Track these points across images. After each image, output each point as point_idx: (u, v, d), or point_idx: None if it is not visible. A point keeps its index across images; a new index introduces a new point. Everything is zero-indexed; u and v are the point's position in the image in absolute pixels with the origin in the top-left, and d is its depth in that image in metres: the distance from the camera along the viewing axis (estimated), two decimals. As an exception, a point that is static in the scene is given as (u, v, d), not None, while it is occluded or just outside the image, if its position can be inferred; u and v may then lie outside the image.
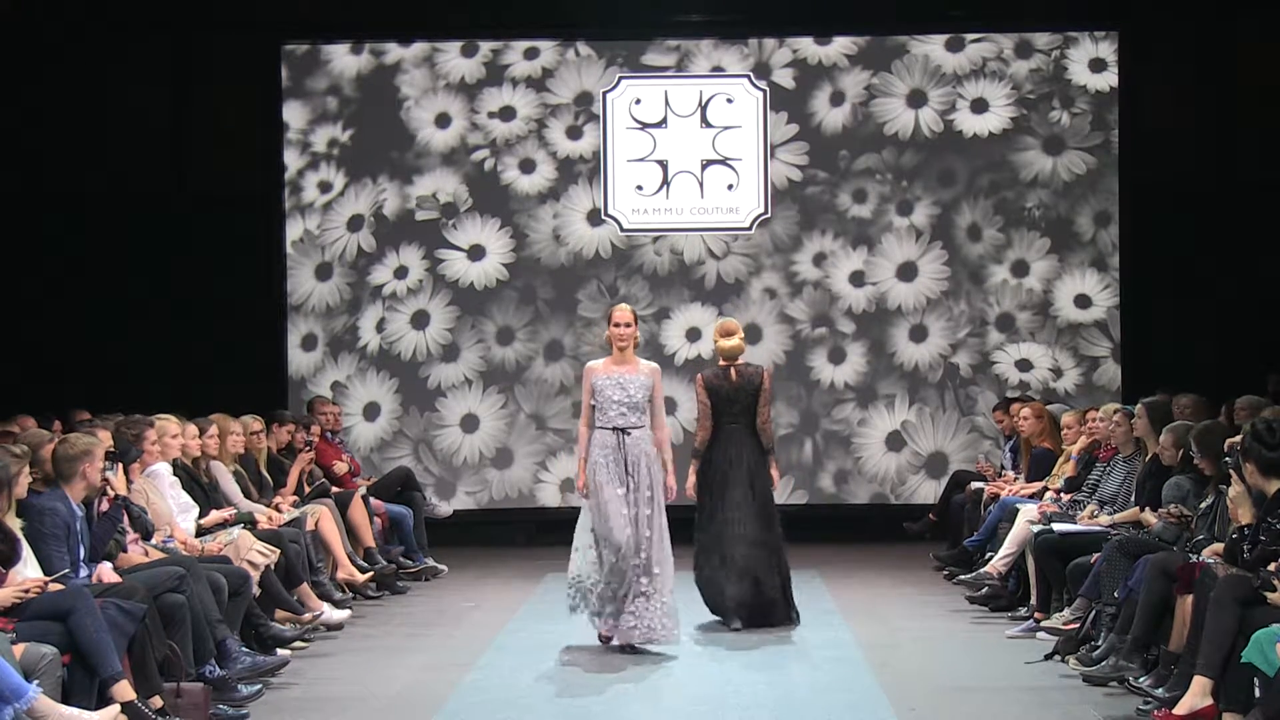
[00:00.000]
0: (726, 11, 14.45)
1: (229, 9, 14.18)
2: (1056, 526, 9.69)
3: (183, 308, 14.08)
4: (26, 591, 6.84)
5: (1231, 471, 7.55)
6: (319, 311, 14.36)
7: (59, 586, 7.01)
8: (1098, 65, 14.28)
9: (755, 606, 9.82)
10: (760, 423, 9.95)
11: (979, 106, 14.32)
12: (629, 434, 9.14)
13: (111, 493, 7.89)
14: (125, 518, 8.17)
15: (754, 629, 9.72)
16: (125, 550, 8.14)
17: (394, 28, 14.40)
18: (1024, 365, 14.29)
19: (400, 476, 12.83)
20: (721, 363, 10.06)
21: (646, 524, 9.04)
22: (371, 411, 14.33)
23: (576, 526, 9.29)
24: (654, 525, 9.08)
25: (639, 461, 9.10)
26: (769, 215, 14.31)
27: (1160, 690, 7.35)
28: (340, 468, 12.28)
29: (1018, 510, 10.35)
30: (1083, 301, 14.28)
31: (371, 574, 11.16)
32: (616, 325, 9.26)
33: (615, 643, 9.11)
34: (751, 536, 9.82)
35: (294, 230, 14.35)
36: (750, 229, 14.32)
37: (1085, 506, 10.01)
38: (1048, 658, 8.64)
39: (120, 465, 8.31)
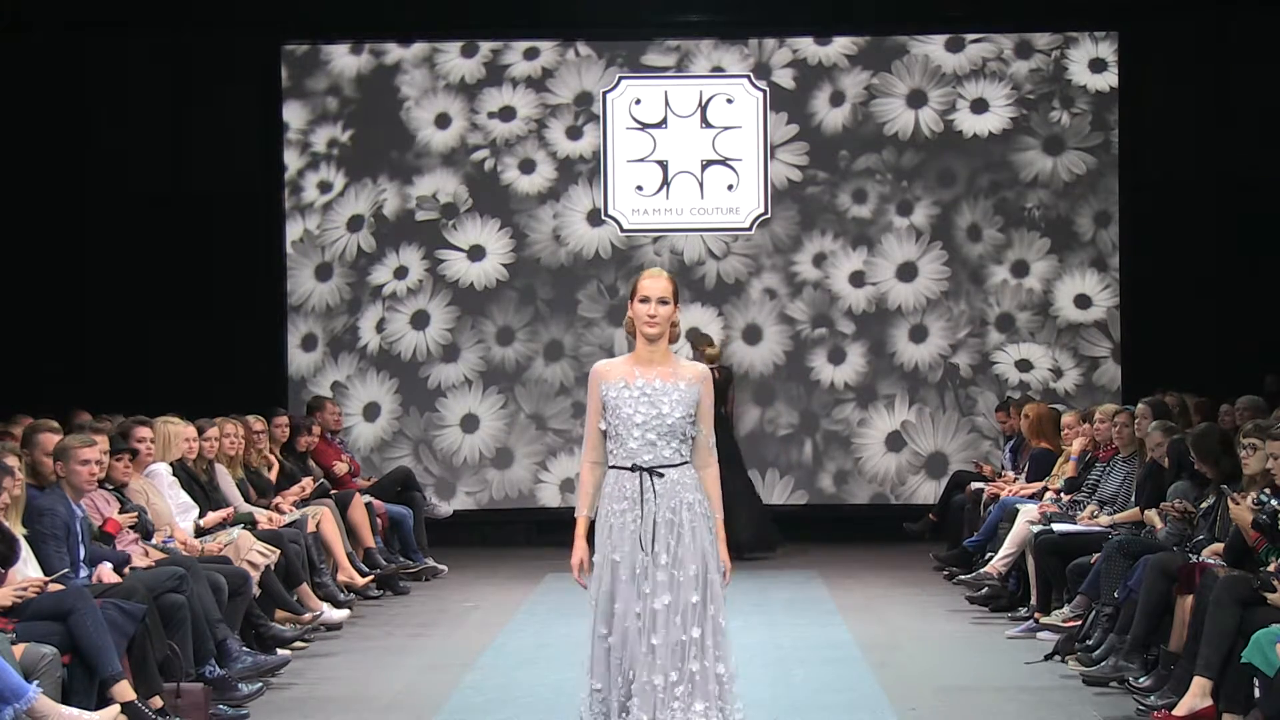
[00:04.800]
0: (726, 11, 14.45)
1: (229, 9, 14.17)
2: (1056, 526, 9.70)
3: (183, 308, 14.07)
4: (25, 590, 6.84)
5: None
6: (319, 311, 14.35)
7: (59, 586, 7.01)
8: (1098, 65, 14.28)
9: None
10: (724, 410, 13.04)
11: (979, 106, 14.31)
12: (660, 476, 5.72)
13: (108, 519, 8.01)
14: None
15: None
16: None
17: (394, 28, 14.39)
18: (1024, 365, 14.28)
19: (400, 476, 12.84)
20: (710, 365, 12.05)
21: (691, 618, 5.64)
22: (371, 411, 14.33)
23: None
24: (702, 624, 5.65)
25: (677, 520, 5.71)
26: (769, 215, 14.31)
27: (1155, 697, 7.36)
28: (340, 468, 12.29)
29: (1018, 510, 10.36)
30: (1083, 301, 14.28)
31: (372, 576, 11.17)
32: (644, 300, 5.80)
33: None
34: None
35: (294, 230, 14.35)
36: (750, 229, 14.32)
37: (1085, 506, 10.02)
38: (1048, 658, 8.66)
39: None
